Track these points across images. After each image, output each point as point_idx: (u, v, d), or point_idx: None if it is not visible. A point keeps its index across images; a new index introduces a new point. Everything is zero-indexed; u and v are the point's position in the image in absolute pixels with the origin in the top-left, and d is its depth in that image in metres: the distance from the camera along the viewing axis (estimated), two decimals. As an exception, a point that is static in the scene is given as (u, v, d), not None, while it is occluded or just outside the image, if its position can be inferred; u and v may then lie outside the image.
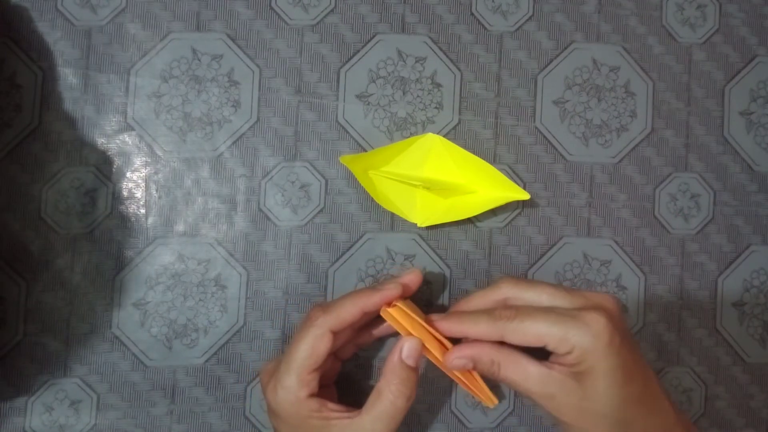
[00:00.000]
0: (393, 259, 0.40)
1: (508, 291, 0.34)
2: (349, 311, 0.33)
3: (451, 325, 0.34)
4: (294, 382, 0.32)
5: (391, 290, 0.34)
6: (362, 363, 0.40)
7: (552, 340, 0.31)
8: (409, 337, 0.33)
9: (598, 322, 0.30)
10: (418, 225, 0.39)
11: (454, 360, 0.33)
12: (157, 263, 0.39)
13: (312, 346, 0.32)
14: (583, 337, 0.30)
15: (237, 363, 0.39)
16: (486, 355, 0.32)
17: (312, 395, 0.32)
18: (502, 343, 0.32)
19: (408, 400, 0.32)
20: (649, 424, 0.31)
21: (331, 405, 0.33)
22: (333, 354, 0.36)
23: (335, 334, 0.33)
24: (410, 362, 0.33)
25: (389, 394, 0.32)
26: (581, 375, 0.31)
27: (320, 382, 0.33)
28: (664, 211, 0.42)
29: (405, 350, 0.33)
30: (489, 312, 0.33)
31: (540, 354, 0.32)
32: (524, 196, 0.38)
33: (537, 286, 0.34)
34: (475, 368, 0.33)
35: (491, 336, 0.32)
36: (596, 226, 0.41)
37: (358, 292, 0.34)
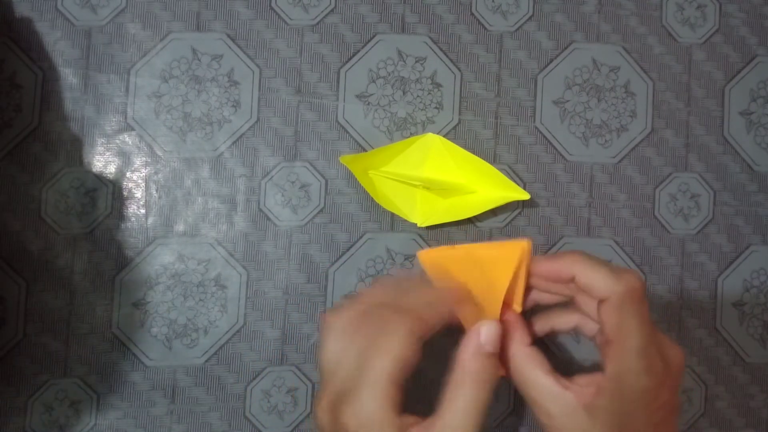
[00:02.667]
0: (393, 259, 0.40)
1: (575, 262, 0.31)
2: (437, 313, 0.30)
3: (557, 264, 0.31)
4: (379, 400, 0.27)
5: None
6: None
7: (584, 273, 0.29)
8: (487, 321, 0.30)
9: (637, 286, 0.28)
10: (418, 225, 0.39)
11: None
12: (157, 263, 0.39)
13: (398, 357, 0.27)
14: (617, 286, 0.28)
15: (237, 363, 0.39)
16: (519, 336, 0.30)
17: (396, 411, 0.27)
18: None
19: (491, 389, 0.28)
20: None
21: (406, 416, 0.28)
22: None
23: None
24: (489, 348, 0.29)
25: (469, 387, 0.28)
26: (596, 409, 0.28)
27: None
28: (664, 211, 0.42)
29: (483, 335, 0.29)
30: (615, 268, 0.30)
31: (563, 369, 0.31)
32: (524, 196, 0.38)
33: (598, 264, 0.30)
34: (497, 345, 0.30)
35: (603, 290, 0.29)
36: (596, 226, 0.41)
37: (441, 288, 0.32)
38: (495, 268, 0.31)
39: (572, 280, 0.30)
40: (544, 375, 0.29)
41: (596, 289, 0.29)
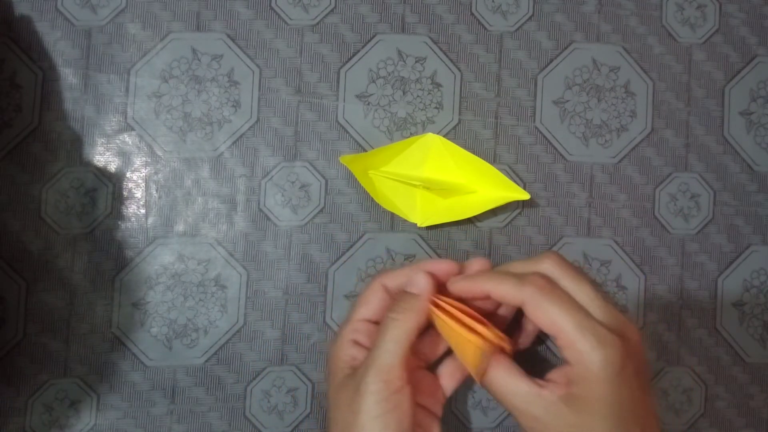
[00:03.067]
0: (393, 259, 0.40)
1: (550, 270, 0.31)
2: (404, 271, 0.34)
3: (470, 284, 0.32)
4: (344, 328, 0.33)
5: (447, 263, 0.34)
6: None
7: (566, 338, 0.29)
8: (421, 272, 0.33)
9: (614, 347, 0.28)
10: (418, 225, 0.39)
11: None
12: (157, 263, 0.39)
13: (364, 293, 0.34)
14: (594, 354, 0.28)
15: (237, 363, 0.39)
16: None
17: (354, 342, 0.33)
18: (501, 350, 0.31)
19: (414, 326, 0.31)
20: None
21: (364, 353, 0.32)
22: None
23: (386, 287, 0.34)
24: (411, 289, 0.32)
25: (392, 323, 0.31)
26: (576, 400, 0.28)
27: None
28: (664, 211, 0.42)
29: (409, 281, 0.33)
30: (520, 275, 0.31)
31: (533, 370, 0.31)
32: (524, 196, 0.38)
33: (580, 280, 0.31)
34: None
35: (513, 298, 0.30)
36: (596, 226, 0.41)
37: (421, 262, 0.34)
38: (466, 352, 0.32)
39: (488, 296, 0.32)
40: (518, 380, 0.30)
41: (508, 298, 0.31)
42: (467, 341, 0.31)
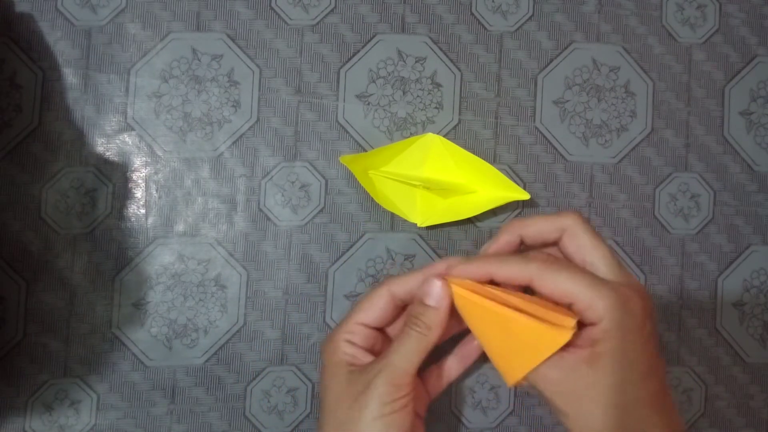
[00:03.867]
0: (393, 259, 0.40)
1: (571, 224, 0.31)
2: (413, 277, 0.32)
3: (474, 267, 0.31)
4: (341, 330, 0.33)
5: (455, 260, 0.32)
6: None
7: (583, 300, 0.28)
8: (435, 279, 0.31)
9: (636, 303, 0.28)
10: (418, 225, 0.39)
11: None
12: (157, 263, 0.39)
13: (368, 298, 0.33)
14: (616, 311, 0.28)
15: (237, 363, 0.39)
16: None
17: (350, 342, 0.32)
18: None
19: (433, 338, 0.31)
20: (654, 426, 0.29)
21: (367, 356, 0.33)
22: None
23: (394, 296, 0.33)
24: (429, 301, 0.31)
25: (411, 334, 0.31)
26: (597, 358, 0.28)
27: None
28: (664, 211, 0.42)
29: (425, 288, 0.31)
30: (522, 254, 0.31)
31: None
32: (524, 196, 0.38)
33: (598, 239, 0.31)
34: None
35: (519, 278, 0.30)
36: (596, 226, 0.41)
37: (427, 266, 0.33)
38: (527, 347, 0.29)
39: (490, 280, 0.31)
40: None
41: (514, 277, 0.30)
42: (537, 327, 0.28)
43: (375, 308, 0.33)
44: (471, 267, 0.31)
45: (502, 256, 0.31)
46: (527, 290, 0.31)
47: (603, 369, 0.28)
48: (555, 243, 0.33)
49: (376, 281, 0.40)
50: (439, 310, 0.31)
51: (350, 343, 0.33)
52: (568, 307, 0.29)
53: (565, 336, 0.28)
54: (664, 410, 0.29)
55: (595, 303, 0.28)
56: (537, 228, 0.32)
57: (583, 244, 0.31)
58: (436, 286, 0.31)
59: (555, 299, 0.29)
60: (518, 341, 0.29)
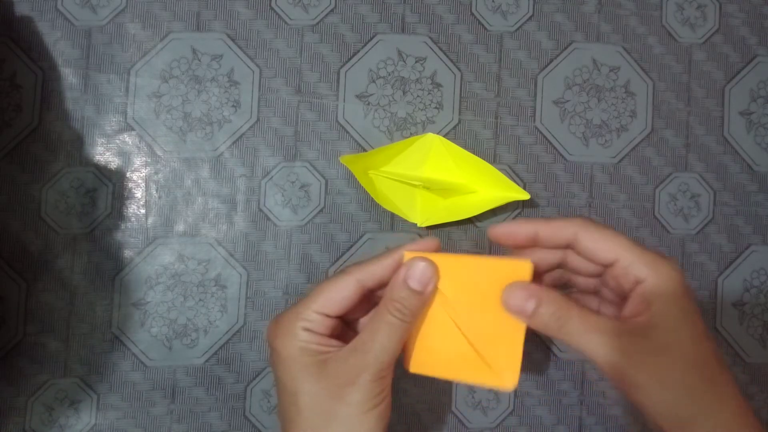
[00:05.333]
0: (393, 259, 0.40)
1: (582, 222, 0.30)
2: (383, 263, 0.30)
3: (515, 227, 0.30)
4: (297, 318, 0.30)
5: (428, 241, 0.31)
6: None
7: (627, 256, 0.28)
8: (421, 258, 0.29)
9: (675, 263, 0.28)
10: (418, 225, 0.39)
11: (516, 293, 0.28)
12: (157, 263, 0.39)
13: (332, 288, 0.30)
14: (661, 266, 0.28)
15: (237, 363, 0.39)
16: (554, 298, 0.28)
17: (308, 330, 0.30)
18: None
19: (410, 323, 0.30)
20: (722, 393, 0.28)
21: (333, 342, 0.30)
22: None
23: (362, 286, 0.30)
24: (413, 284, 0.29)
25: (390, 317, 0.29)
26: (657, 323, 0.27)
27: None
28: (664, 211, 0.42)
29: (411, 271, 0.29)
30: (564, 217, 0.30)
31: None
32: (524, 196, 0.38)
33: (615, 232, 0.30)
34: (534, 314, 0.28)
35: (564, 233, 0.29)
36: (596, 226, 0.41)
37: (392, 249, 0.31)
38: (501, 289, 0.29)
39: (531, 241, 0.30)
40: (597, 315, 0.28)
41: (559, 233, 0.30)
42: (502, 263, 0.29)
43: (339, 298, 0.30)
44: (514, 226, 0.30)
45: (543, 219, 0.30)
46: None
47: (667, 327, 0.27)
48: (566, 246, 0.31)
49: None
50: (424, 295, 0.30)
51: (308, 331, 0.30)
52: (609, 265, 0.29)
53: (527, 266, 0.28)
54: (725, 376, 0.28)
55: (639, 259, 0.28)
56: (553, 227, 0.30)
57: (600, 237, 0.29)
58: (422, 268, 0.29)
59: (598, 255, 0.29)
60: (490, 293, 0.29)
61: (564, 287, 0.33)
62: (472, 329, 0.30)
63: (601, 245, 0.29)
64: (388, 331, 0.29)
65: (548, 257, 0.32)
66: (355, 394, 0.29)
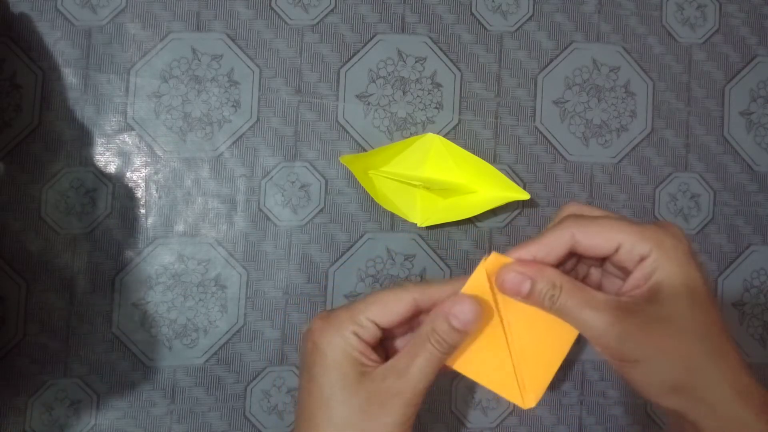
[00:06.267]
0: (393, 259, 0.40)
1: (576, 208, 0.30)
2: (441, 288, 0.30)
3: (519, 252, 0.29)
4: (351, 320, 0.30)
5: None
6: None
7: (629, 239, 0.27)
8: (468, 299, 0.29)
9: (677, 231, 0.28)
10: (418, 225, 0.39)
11: (510, 274, 0.28)
12: (157, 263, 0.39)
13: (389, 299, 0.30)
14: (663, 239, 0.27)
15: (237, 363, 0.39)
16: (547, 275, 0.28)
17: (358, 337, 0.30)
18: None
19: (449, 354, 0.29)
20: (728, 363, 0.27)
21: (374, 355, 0.30)
22: None
23: (417, 305, 0.30)
24: (456, 324, 0.29)
25: (431, 348, 0.29)
26: (657, 290, 0.27)
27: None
28: (664, 211, 0.42)
29: (456, 308, 0.28)
30: (552, 225, 0.29)
31: None
32: (524, 196, 0.38)
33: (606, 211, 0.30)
34: (530, 294, 0.28)
35: (562, 241, 0.28)
36: (596, 226, 0.41)
37: (455, 278, 0.31)
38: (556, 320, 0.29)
39: (534, 258, 0.29)
40: (594, 291, 0.28)
41: (557, 243, 0.29)
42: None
43: (393, 312, 0.30)
44: (518, 253, 0.29)
45: (537, 238, 0.29)
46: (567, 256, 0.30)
47: (667, 298, 0.27)
48: (568, 252, 0.30)
49: (376, 281, 0.40)
50: (466, 334, 0.29)
51: (358, 337, 0.30)
52: (614, 252, 0.28)
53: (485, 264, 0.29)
54: (732, 341, 0.27)
55: (641, 237, 0.27)
56: (546, 246, 0.29)
57: (597, 230, 0.29)
58: (467, 309, 0.29)
59: (600, 249, 0.28)
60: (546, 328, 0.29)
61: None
62: (516, 342, 0.30)
63: (600, 238, 0.28)
64: (428, 359, 0.29)
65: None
66: (386, 416, 0.29)
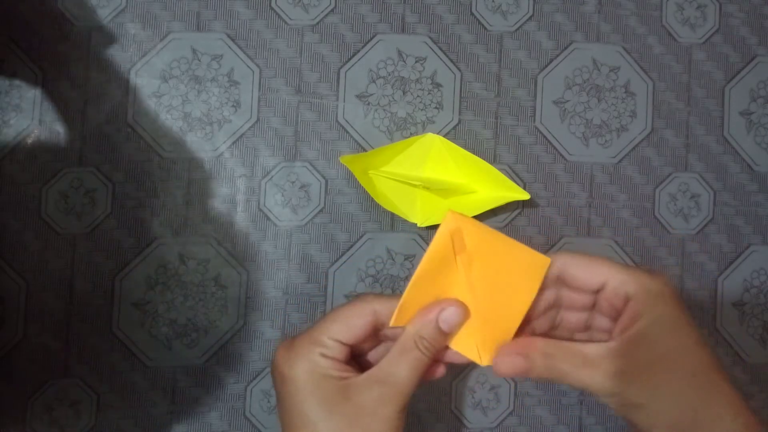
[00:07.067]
0: (393, 259, 0.40)
1: (563, 262, 0.30)
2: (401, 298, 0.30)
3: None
4: (314, 344, 0.30)
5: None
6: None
7: (616, 277, 0.28)
8: (455, 303, 0.30)
9: (662, 276, 0.29)
10: (418, 225, 0.39)
11: (504, 359, 0.29)
12: (157, 263, 0.39)
13: (349, 315, 0.30)
14: (650, 282, 0.28)
15: (237, 363, 0.39)
16: (539, 348, 0.29)
17: (325, 357, 0.30)
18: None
19: (432, 359, 0.30)
20: (723, 397, 0.28)
21: (349, 367, 0.30)
22: None
23: (377, 318, 0.30)
24: (445, 327, 0.30)
25: (417, 353, 0.29)
26: (647, 330, 0.28)
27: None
28: (664, 211, 0.42)
29: (445, 313, 0.29)
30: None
31: None
32: (524, 196, 0.38)
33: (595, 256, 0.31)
34: (529, 370, 0.29)
35: (550, 275, 0.30)
36: (596, 226, 0.41)
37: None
38: (518, 275, 0.30)
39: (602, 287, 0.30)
40: (583, 346, 0.29)
41: (547, 279, 0.30)
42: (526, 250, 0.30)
43: (356, 328, 0.30)
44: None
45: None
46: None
47: (656, 340, 0.28)
48: (555, 281, 0.31)
49: (376, 281, 0.40)
50: (450, 335, 0.30)
51: (326, 357, 0.30)
52: (600, 289, 0.29)
53: (546, 262, 0.29)
54: (728, 379, 0.28)
55: (627, 278, 0.28)
56: (582, 270, 0.30)
57: (586, 264, 0.30)
58: (454, 313, 0.30)
59: (587, 282, 0.29)
60: (510, 269, 0.30)
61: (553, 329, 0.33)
62: (479, 301, 0.30)
63: (589, 272, 0.29)
64: (416, 365, 0.30)
65: (540, 302, 0.32)
66: (377, 425, 0.29)
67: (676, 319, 0.28)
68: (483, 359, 0.30)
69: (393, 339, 0.31)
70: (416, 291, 0.30)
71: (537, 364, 0.29)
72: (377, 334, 0.32)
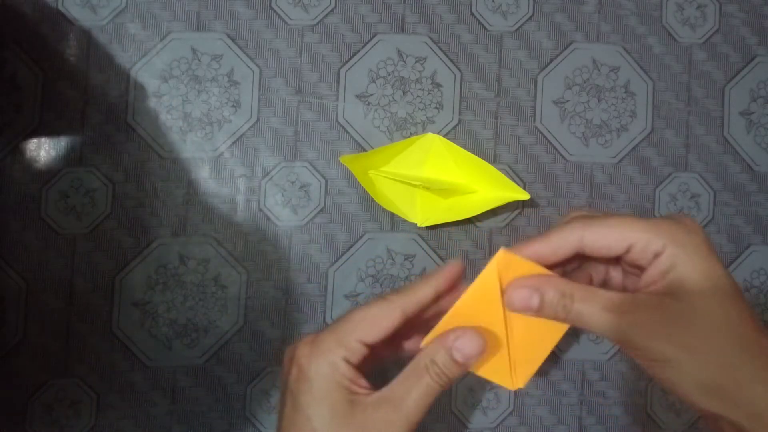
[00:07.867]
0: (393, 259, 0.40)
1: (581, 233, 0.28)
2: (422, 291, 0.29)
3: (522, 252, 0.28)
4: (339, 345, 0.28)
5: (456, 264, 0.29)
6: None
7: (642, 237, 0.26)
8: (475, 332, 0.28)
9: (692, 223, 0.26)
10: (418, 225, 0.39)
11: (517, 290, 0.27)
12: (157, 263, 0.39)
13: (376, 315, 0.28)
14: (677, 233, 0.26)
15: (237, 363, 0.39)
16: (555, 285, 0.27)
17: (348, 363, 0.28)
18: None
19: (447, 387, 0.28)
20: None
21: (363, 381, 0.29)
22: (378, 349, 0.31)
23: (405, 316, 0.29)
24: (458, 357, 0.28)
25: (430, 379, 0.28)
26: (679, 284, 0.25)
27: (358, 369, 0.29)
28: (664, 211, 0.42)
29: (460, 342, 0.28)
30: (557, 224, 0.28)
31: None
32: (524, 196, 0.38)
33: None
34: (542, 307, 0.27)
35: (569, 242, 0.27)
36: (596, 226, 0.41)
37: (428, 275, 0.30)
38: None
39: (539, 259, 0.28)
40: (606, 291, 0.27)
41: (565, 245, 0.28)
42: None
43: (382, 328, 0.28)
44: (517, 253, 0.28)
45: (539, 237, 0.28)
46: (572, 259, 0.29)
47: (689, 293, 0.25)
48: (575, 253, 0.28)
49: (376, 281, 0.40)
50: (467, 368, 0.28)
51: (348, 362, 0.28)
52: (626, 252, 0.27)
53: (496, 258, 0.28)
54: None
55: (654, 233, 0.26)
56: (552, 246, 0.28)
57: (607, 230, 0.27)
58: (470, 343, 0.28)
59: (611, 249, 0.27)
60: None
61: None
62: (514, 332, 0.29)
63: (611, 238, 0.27)
64: (425, 392, 0.28)
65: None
66: None
67: (709, 272, 0.26)
68: (514, 383, 0.29)
69: (411, 353, 0.30)
70: (453, 320, 0.28)
71: (552, 300, 0.27)
72: (399, 345, 0.31)
